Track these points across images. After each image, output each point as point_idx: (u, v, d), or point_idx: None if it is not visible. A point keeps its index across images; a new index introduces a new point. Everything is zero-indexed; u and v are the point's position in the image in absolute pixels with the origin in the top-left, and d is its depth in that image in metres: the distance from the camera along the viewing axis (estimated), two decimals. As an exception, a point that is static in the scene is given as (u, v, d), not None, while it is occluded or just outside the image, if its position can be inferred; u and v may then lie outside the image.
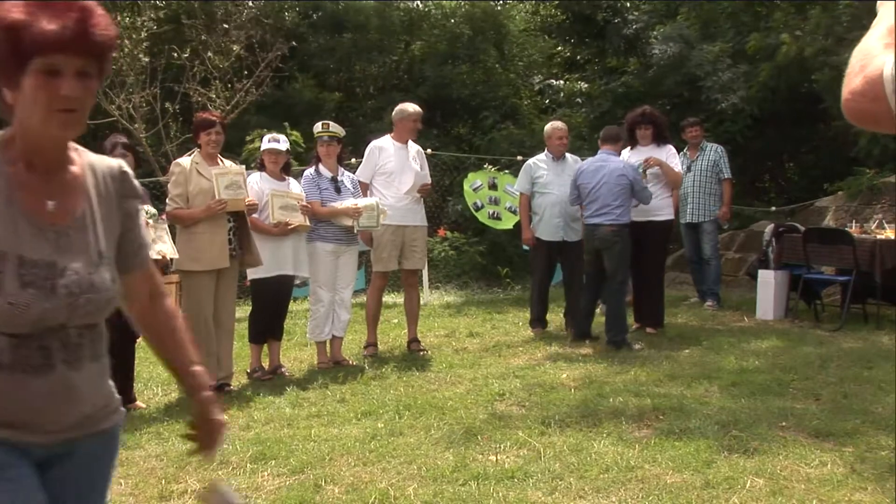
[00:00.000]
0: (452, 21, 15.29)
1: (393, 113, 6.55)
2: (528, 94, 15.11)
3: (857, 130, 8.70)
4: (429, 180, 6.64)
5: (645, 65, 11.91)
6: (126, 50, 10.51)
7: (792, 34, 8.79)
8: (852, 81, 1.23)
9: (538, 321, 7.01)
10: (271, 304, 5.72)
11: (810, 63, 8.75)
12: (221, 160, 5.42)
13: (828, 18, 8.48)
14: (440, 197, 11.08)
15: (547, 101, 14.38)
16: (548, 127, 7.18)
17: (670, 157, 6.92)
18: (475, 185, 9.32)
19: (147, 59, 10.66)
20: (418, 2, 16.24)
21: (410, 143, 6.44)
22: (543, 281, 7.08)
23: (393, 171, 6.24)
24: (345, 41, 14.36)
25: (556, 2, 13.63)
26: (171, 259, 4.96)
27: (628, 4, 13.24)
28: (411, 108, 6.43)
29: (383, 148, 6.33)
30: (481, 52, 14.84)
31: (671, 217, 7.04)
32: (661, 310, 6.94)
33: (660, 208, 6.79)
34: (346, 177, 6.07)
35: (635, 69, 12.34)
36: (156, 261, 4.83)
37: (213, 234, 5.17)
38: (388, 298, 8.80)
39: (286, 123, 10.16)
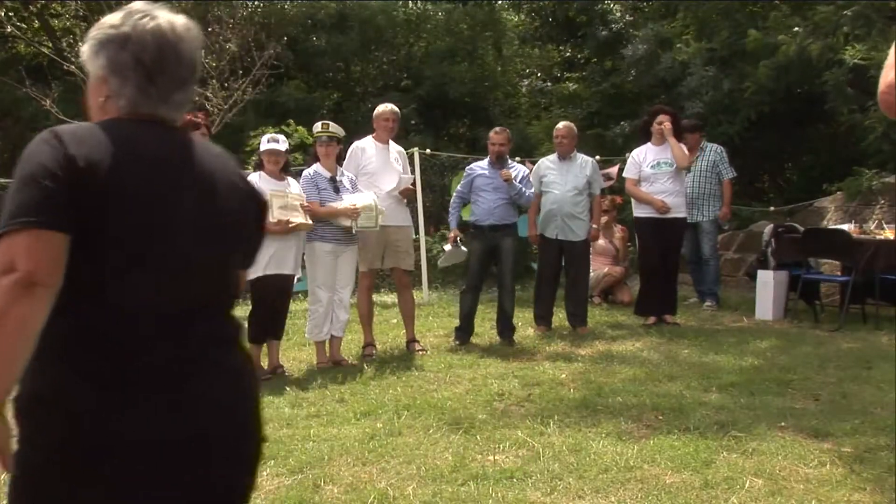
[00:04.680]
0: (453, 20, 15.30)
1: (373, 113, 6.60)
2: (525, 94, 15.14)
3: (866, 127, 8.66)
4: (411, 180, 6.68)
5: (627, 66, 11.91)
6: None
7: (791, 33, 8.74)
8: (888, 75, 1.23)
9: (542, 318, 7.03)
10: (271, 304, 5.71)
11: (815, 62, 8.70)
12: None
13: (831, 18, 8.45)
14: (439, 196, 11.08)
15: (538, 102, 14.42)
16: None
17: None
18: None
19: None
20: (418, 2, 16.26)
21: (392, 143, 6.47)
22: (546, 279, 7.09)
23: (375, 171, 6.28)
24: (344, 41, 14.37)
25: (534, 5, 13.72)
26: None
27: (611, 5, 13.27)
28: (383, 107, 6.49)
29: (365, 148, 6.36)
30: (480, 51, 14.85)
31: (685, 215, 7.33)
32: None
33: (678, 206, 7.10)
34: (345, 177, 6.07)
35: (622, 70, 12.36)
36: None
37: None
38: (387, 298, 8.80)
39: (291, 121, 10.16)
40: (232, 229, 1.60)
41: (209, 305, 1.59)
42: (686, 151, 7.09)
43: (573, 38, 13.74)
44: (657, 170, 7.01)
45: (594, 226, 7.08)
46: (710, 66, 10.37)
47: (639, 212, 7.23)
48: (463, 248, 6.68)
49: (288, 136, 8.61)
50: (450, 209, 7.00)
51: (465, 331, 6.62)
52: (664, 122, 7.02)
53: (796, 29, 8.60)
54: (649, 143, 7.16)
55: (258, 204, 1.71)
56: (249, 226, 1.67)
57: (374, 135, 6.45)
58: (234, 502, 1.63)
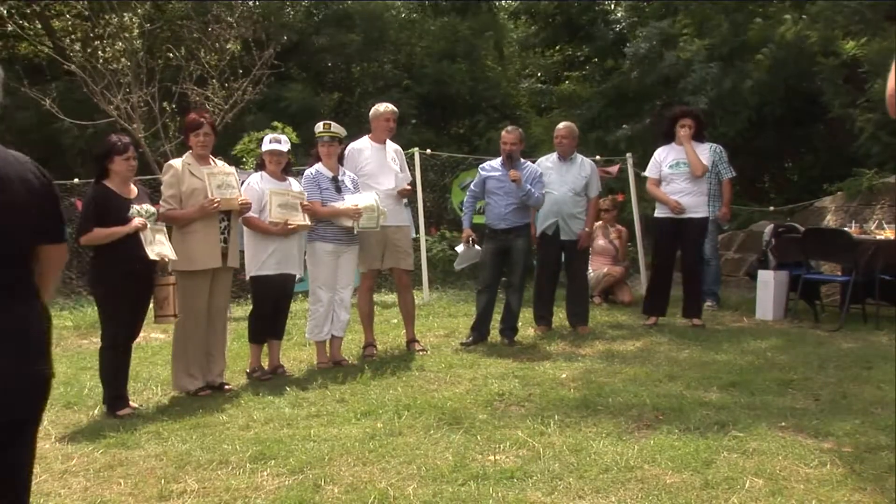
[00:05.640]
0: (452, 25, 15.30)
1: (370, 113, 6.56)
2: (525, 94, 15.12)
3: (858, 126, 8.67)
4: (409, 179, 6.67)
5: (630, 65, 11.89)
6: (120, 47, 10.51)
7: (794, 18, 8.72)
8: (893, 80, 1.24)
9: (542, 318, 7.02)
10: (272, 304, 5.71)
11: (813, 51, 8.67)
12: (213, 160, 5.41)
13: (827, 14, 8.44)
14: (439, 196, 11.07)
15: (538, 103, 14.39)
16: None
17: (702, 153, 7.05)
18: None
19: (141, 55, 10.65)
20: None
21: (389, 142, 6.44)
22: (547, 278, 7.08)
23: (372, 172, 6.24)
24: (344, 40, 14.36)
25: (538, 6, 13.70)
26: (169, 260, 4.95)
27: (612, 6, 13.25)
28: (383, 106, 6.44)
29: (361, 150, 6.33)
30: (483, 52, 14.81)
31: (706, 214, 7.18)
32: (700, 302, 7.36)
33: (696, 206, 6.98)
34: (346, 177, 6.07)
35: (624, 69, 12.34)
36: (155, 263, 4.85)
37: (206, 233, 5.17)
38: (387, 298, 8.81)
39: (277, 123, 10.12)
40: (19, 211, 2.06)
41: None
42: (703, 160, 6.99)
43: (573, 38, 13.72)
44: (675, 170, 6.99)
45: (586, 228, 7.03)
46: (713, 62, 10.37)
47: (658, 211, 7.21)
48: (477, 247, 6.68)
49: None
50: (463, 208, 6.98)
51: (479, 331, 6.59)
52: (685, 125, 7.00)
53: (803, 17, 8.59)
54: (672, 143, 7.12)
55: (47, 192, 2.17)
56: (40, 207, 2.14)
57: (370, 135, 6.42)
58: None
